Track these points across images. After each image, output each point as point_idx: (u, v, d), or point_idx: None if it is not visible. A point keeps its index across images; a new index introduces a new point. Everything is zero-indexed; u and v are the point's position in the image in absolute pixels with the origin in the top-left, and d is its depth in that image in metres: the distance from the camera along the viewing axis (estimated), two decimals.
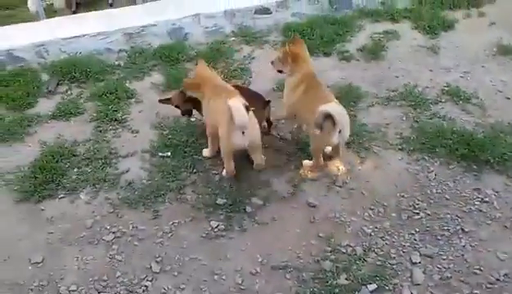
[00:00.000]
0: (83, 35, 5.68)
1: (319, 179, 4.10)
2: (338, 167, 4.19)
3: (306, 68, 4.17)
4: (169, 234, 3.71)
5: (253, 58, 5.62)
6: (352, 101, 4.90)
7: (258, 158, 4.05)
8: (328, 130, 3.74)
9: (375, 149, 4.37)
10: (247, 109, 3.67)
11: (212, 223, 3.76)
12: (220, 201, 3.91)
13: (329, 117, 3.69)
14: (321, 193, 3.99)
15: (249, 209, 3.86)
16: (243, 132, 3.70)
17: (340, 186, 4.04)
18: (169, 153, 4.36)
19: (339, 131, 3.76)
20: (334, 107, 3.78)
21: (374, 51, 5.63)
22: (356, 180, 4.10)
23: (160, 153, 4.35)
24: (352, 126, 4.47)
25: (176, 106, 4.45)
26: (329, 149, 4.21)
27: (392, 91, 5.06)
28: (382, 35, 5.92)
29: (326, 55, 5.64)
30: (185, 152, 4.38)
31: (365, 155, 4.31)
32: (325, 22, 6.10)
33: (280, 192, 4.00)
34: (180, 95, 4.39)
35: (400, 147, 4.39)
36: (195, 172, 4.20)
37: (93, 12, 6.17)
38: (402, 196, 3.97)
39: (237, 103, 3.66)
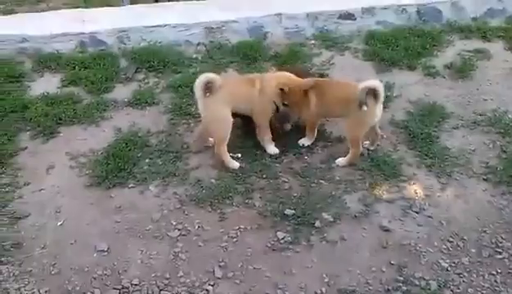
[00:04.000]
0: (165, 25, 5.70)
1: (394, 201, 3.89)
2: (416, 190, 3.96)
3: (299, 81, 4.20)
4: (234, 239, 3.62)
5: (332, 64, 5.44)
6: (436, 121, 4.63)
7: None
8: (371, 105, 3.90)
9: (458, 176, 4.09)
10: None
11: (278, 234, 3.64)
12: (288, 211, 3.77)
13: (370, 92, 3.85)
14: (395, 216, 3.77)
15: (317, 224, 3.70)
16: None
17: (417, 212, 3.80)
18: (240, 155, 4.27)
19: None
20: (373, 81, 3.94)
21: (462, 70, 5.30)
22: (434, 207, 3.85)
23: (231, 154, 4.27)
24: (433, 148, 4.28)
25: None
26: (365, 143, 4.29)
27: (480, 114, 4.74)
28: (472, 53, 5.57)
29: (410, 68, 5.37)
30: (256, 154, 4.28)
31: (446, 181, 4.04)
32: (412, 34, 5.83)
33: (352, 210, 3.82)
34: None
35: (485, 177, 4.09)
36: (264, 177, 4.09)
37: (176, 3, 6.18)
38: (484, 231, 3.68)
39: None
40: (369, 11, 5.93)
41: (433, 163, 4.19)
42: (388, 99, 4.89)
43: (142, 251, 3.54)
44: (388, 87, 5.06)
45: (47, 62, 5.41)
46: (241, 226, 3.70)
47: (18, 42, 5.54)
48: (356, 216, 3.77)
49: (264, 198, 3.91)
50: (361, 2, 5.96)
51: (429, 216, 3.77)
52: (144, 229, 3.69)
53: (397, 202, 3.89)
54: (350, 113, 3.99)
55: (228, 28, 5.78)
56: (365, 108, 3.86)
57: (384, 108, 4.72)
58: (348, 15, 5.93)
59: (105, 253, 3.53)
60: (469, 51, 5.60)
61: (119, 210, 3.85)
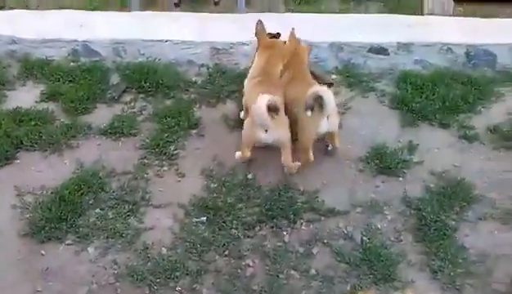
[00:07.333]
0: (166, 41, 5.02)
1: None
2: None
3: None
4: None
5: (348, 108, 4.55)
6: (458, 206, 3.67)
7: None
8: (316, 114, 3.69)
9: (470, 293, 3.17)
10: None
11: None
12: None
13: (318, 100, 3.65)
14: None
15: None
16: None
17: None
18: (205, 219, 3.56)
19: (327, 118, 3.73)
20: (325, 91, 3.72)
21: (509, 137, 4.26)
22: None
23: (195, 219, 3.56)
24: (446, 245, 3.38)
25: None
26: None
27: None
28: None
29: (443, 126, 4.37)
30: (224, 222, 3.54)
31: None
32: (454, 80, 4.79)
33: None
34: None
35: None
36: (225, 255, 3.36)
37: (187, 13, 5.47)
38: None
39: None
40: (406, 47, 4.95)
41: (442, 268, 3.28)
42: (406, 165, 4.01)
43: None
44: (410, 150, 4.15)
45: (33, 68, 4.90)
46: None
47: (7, 44, 5.09)
48: None
49: (216, 286, 3.19)
50: (397, 36, 5.00)
51: None
52: None
53: None
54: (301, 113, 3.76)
55: (237, 50, 5.00)
56: (308, 113, 3.65)
57: (399, 177, 3.92)
58: (380, 50, 4.98)
59: None
60: None
61: (46, 274, 3.25)
